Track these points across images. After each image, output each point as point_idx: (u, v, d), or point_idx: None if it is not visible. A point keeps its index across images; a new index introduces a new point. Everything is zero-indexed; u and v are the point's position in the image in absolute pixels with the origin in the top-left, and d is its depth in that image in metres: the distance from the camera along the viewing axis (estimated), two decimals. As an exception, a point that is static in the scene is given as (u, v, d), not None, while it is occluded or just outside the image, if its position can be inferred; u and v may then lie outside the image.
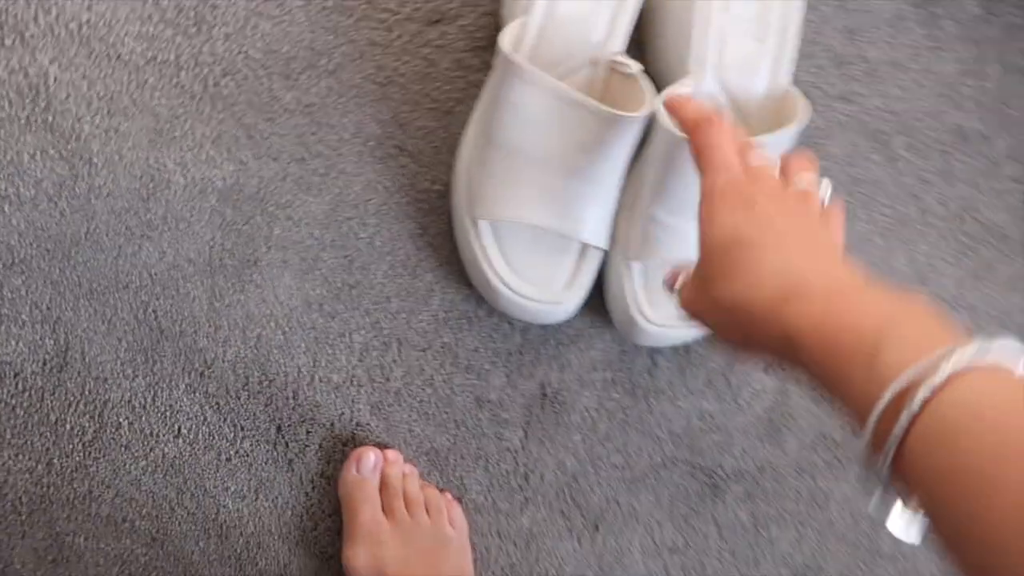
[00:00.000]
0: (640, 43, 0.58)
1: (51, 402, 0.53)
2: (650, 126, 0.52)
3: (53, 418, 0.53)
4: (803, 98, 0.53)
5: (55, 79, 0.52)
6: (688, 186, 0.50)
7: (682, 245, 0.53)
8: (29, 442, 0.53)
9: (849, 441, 0.64)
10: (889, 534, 0.30)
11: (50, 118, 0.52)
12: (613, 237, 0.56)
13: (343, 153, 0.56)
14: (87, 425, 0.54)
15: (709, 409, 0.62)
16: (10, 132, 0.52)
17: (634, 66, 0.51)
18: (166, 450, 0.54)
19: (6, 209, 0.52)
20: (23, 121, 0.52)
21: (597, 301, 0.59)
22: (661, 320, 0.56)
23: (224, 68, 0.54)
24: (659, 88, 0.52)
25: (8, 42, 0.51)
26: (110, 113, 0.53)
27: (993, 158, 0.66)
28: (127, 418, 0.54)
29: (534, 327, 0.59)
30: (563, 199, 0.51)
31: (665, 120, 0.49)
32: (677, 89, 0.52)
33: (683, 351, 0.61)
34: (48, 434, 0.53)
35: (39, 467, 0.53)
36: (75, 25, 0.52)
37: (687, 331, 0.57)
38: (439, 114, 0.57)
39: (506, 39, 0.49)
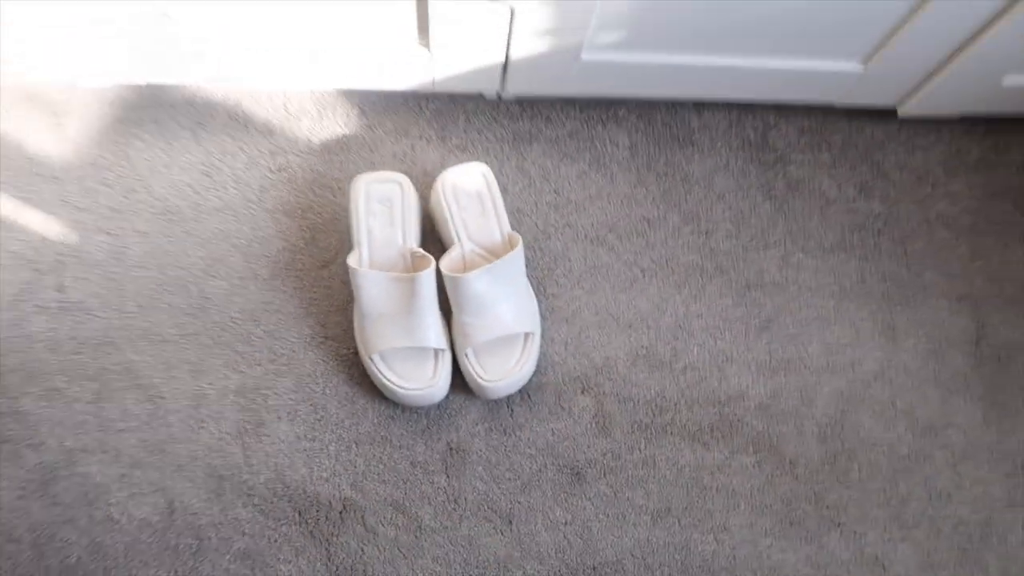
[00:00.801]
0: (430, 236, 1.03)
1: None
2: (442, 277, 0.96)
3: None
4: (517, 234, 0.97)
5: (134, 360, 0.97)
6: (472, 299, 0.93)
7: (483, 331, 0.94)
8: None
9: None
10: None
11: (139, 383, 0.96)
12: (452, 342, 0.97)
13: (296, 350, 0.99)
14: None
15: (556, 427, 1.00)
16: (120, 396, 0.96)
17: (421, 250, 0.95)
18: None
19: (122, 436, 0.95)
20: (126, 387, 0.96)
21: (460, 383, 0.99)
22: (495, 378, 0.95)
23: (221, 326, 0.99)
24: (441, 254, 0.97)
25: (109, 351, 0.97)
26: (168, 368, 0.97)
27: (671, 226, 1.08)
28: None
29: (431, 410, 0.99)
30: (410, 327, 0.93)
31: (446, 272, 0.93)
32: (449, 254, 0.96)
33: (525, 395, 1.00)
34: None
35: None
36: (139, 330, 0.97)
37: (515, 380, 0.96)
38: (340, 311, 1.00)
39: (351, 259, 0.94)
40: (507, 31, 0.91)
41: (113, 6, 0.86)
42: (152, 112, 1.04)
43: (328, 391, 0.98)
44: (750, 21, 0.91)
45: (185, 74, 0.99)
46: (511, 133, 1.08)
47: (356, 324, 0.97)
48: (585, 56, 0.96)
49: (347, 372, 0.99)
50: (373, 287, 0.93)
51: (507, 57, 0.96)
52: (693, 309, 1.04)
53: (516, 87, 1.03)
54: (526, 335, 0.98)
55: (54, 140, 1.02)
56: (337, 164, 1.05)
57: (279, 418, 0.97)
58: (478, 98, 1.09)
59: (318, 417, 0.98)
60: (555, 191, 1.07)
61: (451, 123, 1.08)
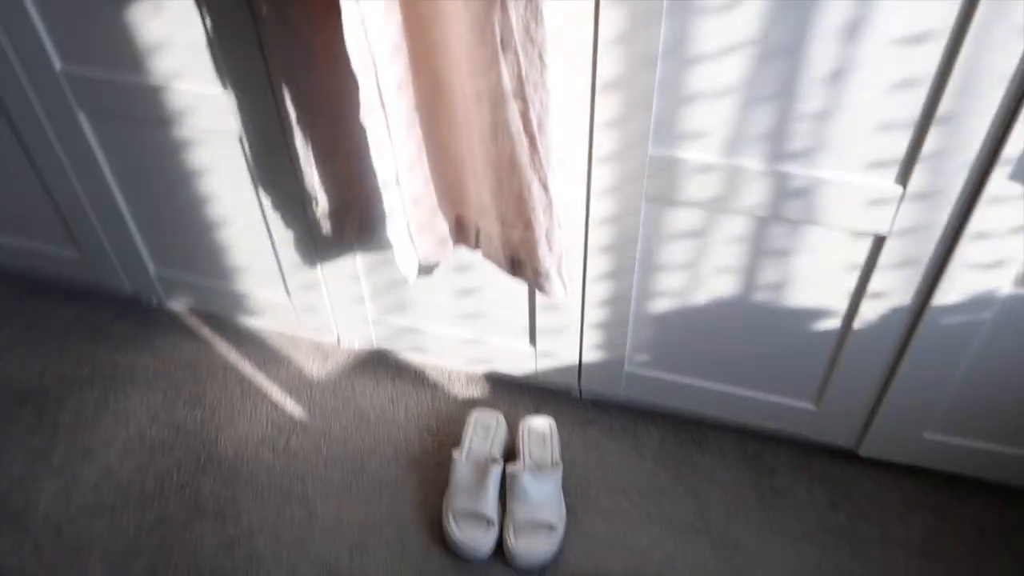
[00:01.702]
0: (511, 454, 1.55)
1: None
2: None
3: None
4: (560, 462, 1.47)
5: (320, 512, 1.53)
6: (519, 490, 1.42)
7: (522, 514, 1.40)
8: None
9: None
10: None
11: (305, 537, 1.51)
12: (501, 524, 1.43)
13: (404, 504, 1.50)
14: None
15: (559, 605, 1.36)
16: (311, 533, 1.50)
17: (499, 457, 1.48)
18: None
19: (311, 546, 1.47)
20: (293, 530, 1.51)
21: (501, 556, 1.41)
22: (524, 550, 1.38)
23: (383, 484, 1.53)
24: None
25: (300, 491, 1.54)
26: (341, 506, 1.51)
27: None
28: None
29: (473, 567, 1.41)
30: (477, 499, 1.42)
31: (509, 471, 1.45)
32: (515, 463, 1.48)
33: (541, 571, 1.39)
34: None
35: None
36: (341, 483, 1.55)
37: (538, 555, 1.38)
38: (435, 495, 1.51)
39: (456, 452, 1.48)
40: (579, 346, 1.54)
41: (371, 287, 1.63)
42: (377, 365, 1.75)
43: (412, 534, 1.45)
44: (735, 357, 1.46)
45: (394, 343, 1.71)
46: (581, 417, 1.64)
47: (446, 495, 1.47)
48: (627, 368, 1.54)
49: (428, 528, 1.46)
50: (463, 470, 1.46)
51: (580, 364, 1.58)
52: (682, 550, 1.42)
53: (588, 386, 1.62)
54: (551, 527, 1.41)
55: (318, 367, 1.75)
56: (466, 411, 1.65)
57: (378, 541, 1.45)
58: (565, 392, 1.68)
59: (401, 544, 1.44)
60: (600, 456, 1.57)
61: (542, 402, 1.67)
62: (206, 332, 1.84)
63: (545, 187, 1.14)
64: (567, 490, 1.50)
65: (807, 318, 1.34)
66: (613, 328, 1.48)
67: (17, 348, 1.82)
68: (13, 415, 1.68)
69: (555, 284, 1.26)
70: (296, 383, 1.72)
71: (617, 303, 1.43)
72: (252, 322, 1.84)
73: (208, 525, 1.48)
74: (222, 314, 1.85)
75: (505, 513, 1.44)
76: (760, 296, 1.33)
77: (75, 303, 1.92)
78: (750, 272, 1.30)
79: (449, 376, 1.73)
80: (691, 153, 1.18)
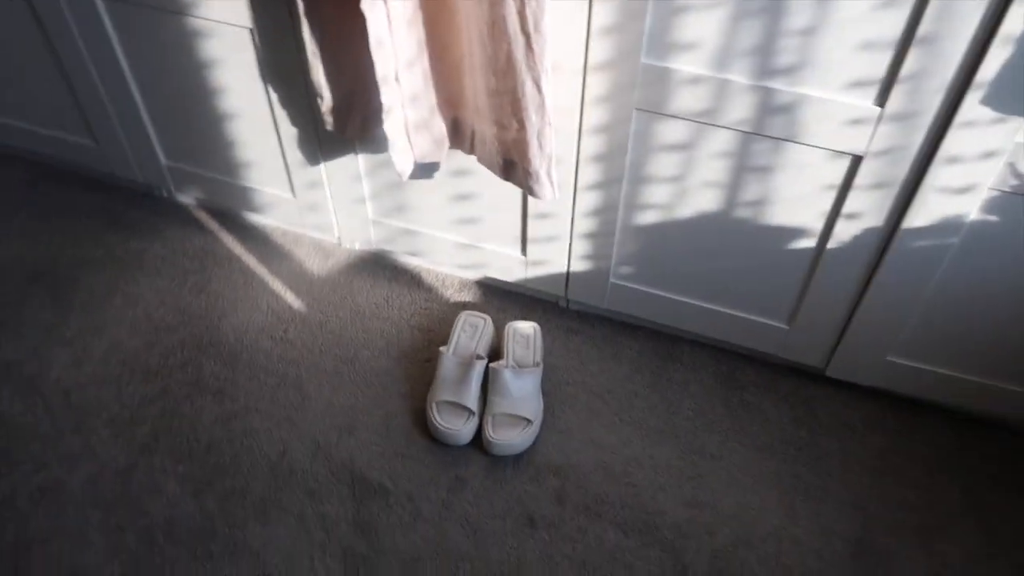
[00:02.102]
0: (496, 354, 1.64)
1: None
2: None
3: None
4: (541, 363, 1.56)
5: (312, 394, 1.62)
6: (499, 385, 1.50)
7: (500, 407, 1.49)
8: None
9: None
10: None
11: (296, 416, 1.60)
12: (481, 413, 1.52)
13: (392, 394, 1.59)
14: None
15: (528, 488, 1.46)
16: (296, 397, 1.60)
17: (483, 355, 1.57)
18: None
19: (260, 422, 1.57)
20: (282, 408, 1.61)
21: (478, 441, 1.51)
22: (501, 440, 1.47)
23: (368, 375, 1.62)
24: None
25: (292, 375, 1.64)
26: (330, 399, 1.60)
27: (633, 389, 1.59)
28: None
29: (454, 449, 1.50)
30: (460, 391, 1.51)
31: (492, 367, 1.53)
32: (499, 361, 1.56)
33: (515, 459, 1.48)
34: None
35: None
36: (333, 369, 1.64)
37: (512, 446, 1.47)
38: (422, 392, 1.60)
39: (442, 349, 1.57)
40: (567, 256, 1.60)
41: (375, 183, 1.70)
42: (375, 266, 1.82)
43: (398, 420, 1.55)
44: (715, 275, 1.53)
45: (392, 245, 1.78)
46: (566, 326, 1.72)
47: (431, 386, 1.56)
48: (612, 280, 1.61)
49: (413, 416, 1.56)
50: (448, 364, 1.55)
51: (567, 274, 1.64)
52: (649, 452, 1.51)
53: (574, 296, 1.69)
54: (528, 420, 1.50)
55: (318, 264, 1.82)
56: (456, 312, 1.73)
57: (365, 425, 1.54)
58: (553, 301, 1.75)
59: (386, 428, 1.53)
60: (580, 362, 1.65)
61: (529, 310, 1.74)
62: (213, 225, 1.92)
63: (539, 87, 1.19)
64: (546, 391, 1.58)
65: (784, 237, 1.39)
66: (600, 239, 1.54)
67: (33, 230, 1.90)
68: (28, 292, 1.77)
69: (544, 186, 1.31)
70: (297, 278, 1.80)
71: (605, 214, 1.48)
72: (257, 218, 1.91)
73: (207, 400, 1.58)
74: (229, 209, 1.92)
75: (485, 406, 1.53)
76: (741, 213, 1.38)
77: (90, 191, 1.99)
78: (733, 188, 1.35)
79: (443, 280, 1.80)
80: (681, 64, 1.22)
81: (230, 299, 1.76)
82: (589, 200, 1.47)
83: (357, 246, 1.86)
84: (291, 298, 1.76)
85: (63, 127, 1.87)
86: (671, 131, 1.31)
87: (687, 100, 1.25)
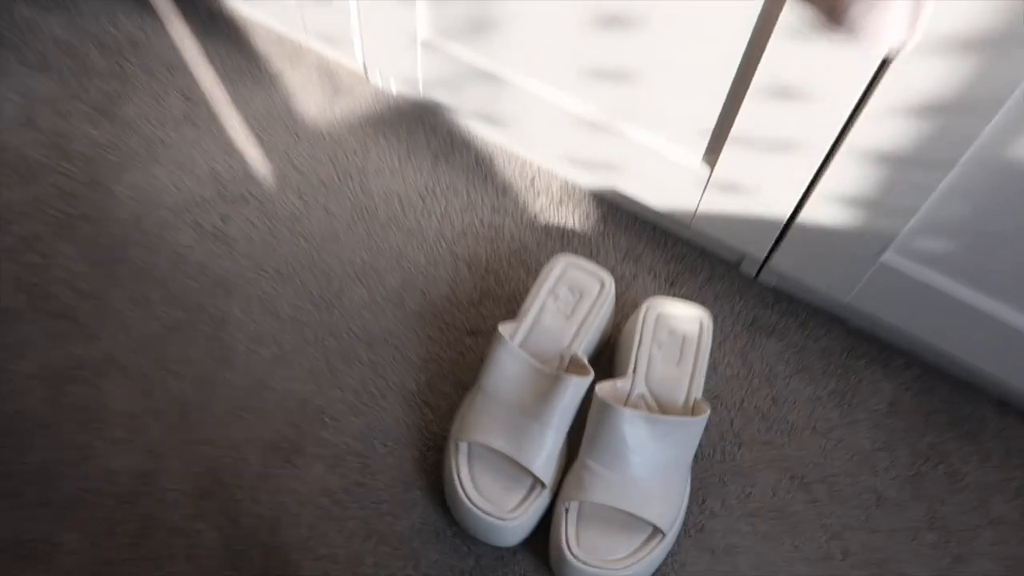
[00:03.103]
0: (609, 359, 0.83)
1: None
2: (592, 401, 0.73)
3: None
4: (708, 404, 0.73)
5: (234, 317, 0.84)
6: (613, 443, 0.69)
7: (604, 490, 0.69)
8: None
9: None
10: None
11: (220, 335, 0.83)
12: (559, 489, 0.72)
13: (387, 396, 0.81)
14: (137, 534, 0.72)
15: None
16: (193, 337, 0.83)
17: (584, 359, 0.75)
18: None
19: (167, 379, 0.80)
20: (204, 334, 0.83)
21: (542, 540, 0.72)
22: (588, 560, 0.68)
23: (331, 331, 0.84)
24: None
25: (218, 292, 0.86)
26: (254, 340, 0.83)
27: (912, 523, 0.76)
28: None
29: (487, 552, 0.72)
30: (522, 436, 0.71)
31: (599, 395, 0.71)
32: (615, 381, 0.74)
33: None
34: None
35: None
36: (260, 292, 0.86)
37: (633, 571, 0.68)
38: (459, 387, 0.81)
39: (504, 327, 0.76)
40: (803, 189, 0.75)
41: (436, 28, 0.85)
42: (413, 126, 1.00)
43: (390, 460, 0.77)
44: None
45: (455, 96, 0.94)
46: (751, 316, 0.88)
47: (466, 401, 0.77)
48: (887, 259, 0.75)
49: (422, 452, 0.77)
50: (509, 366, 0.74)
51: (788, 225, 0.79)
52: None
53: (783, 267, 0.84)
54: (654, 531, 0.70)
55: (318, 108, 1.00)
56: (547, 250, 0.91)
57: (320, 456, 0.77)
58: (731, 267, 0.91)
59: (360, 482, 0.76)
60: (773, 399, 0.82)
61: (689, 273, 0.90)
62: (161, 4, 1.10)
63: None
64: (699, 455, 0.78)
65: None
66: (896, 180, 0.67)
67: None
68: None
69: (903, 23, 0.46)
70: (274, 123, 0.99)
71: (929, 140, 0.61)
72: (242, 8, 1.09)
73: (36, 330, 0.83)
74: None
75: (568, 474, 0.73)
76: None
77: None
78: None
79: (534, 178, 0.97)
80: None
81: (149, 139, 0.97)
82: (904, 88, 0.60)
83: (394, 86, 1.03)
84: (254, 159, 0.96)
85: None
86: None
87: None
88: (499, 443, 0.71)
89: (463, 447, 0.73)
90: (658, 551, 0.70)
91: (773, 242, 0.83)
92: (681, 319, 0.79)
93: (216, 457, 0.77)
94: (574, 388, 0.72)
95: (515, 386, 0.74)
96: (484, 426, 0.72)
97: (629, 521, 0.70)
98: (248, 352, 0.83)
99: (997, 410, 0.83)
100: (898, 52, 0.54)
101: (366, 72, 1.03)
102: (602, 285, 0.81)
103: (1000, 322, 0.74)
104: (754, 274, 0.90)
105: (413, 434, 0.79)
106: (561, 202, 0.95)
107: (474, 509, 0.70)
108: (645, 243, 0.92)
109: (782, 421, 0.81)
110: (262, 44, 1.06)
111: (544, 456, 0.71)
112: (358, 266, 0.89)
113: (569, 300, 0.80)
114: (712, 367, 0.83)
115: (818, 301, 0.89)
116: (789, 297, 0.89)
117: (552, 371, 0.74)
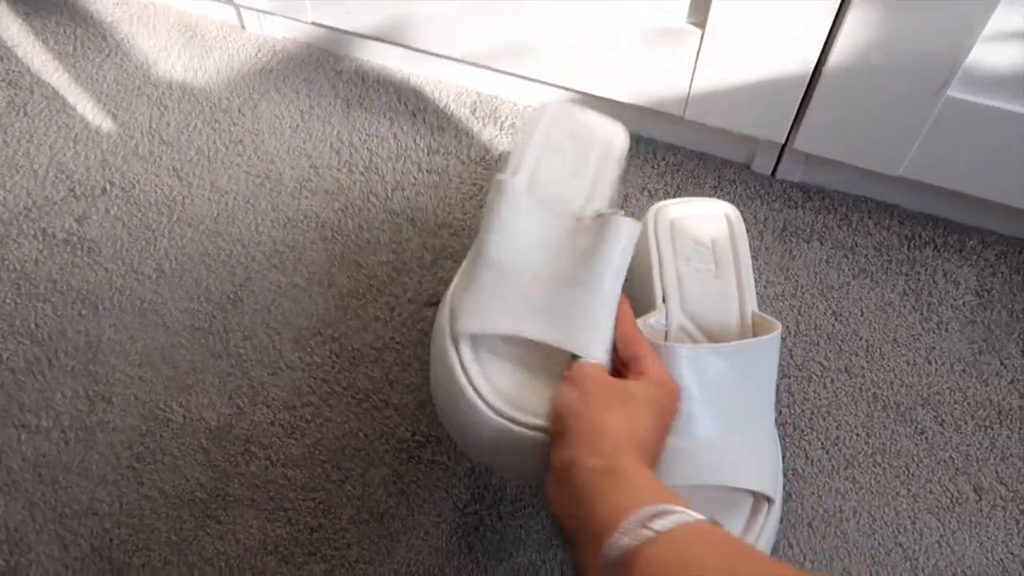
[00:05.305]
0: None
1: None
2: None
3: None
4: (771, 319, 0.53)
5: (108, 338, 0.62)
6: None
7: (683, 467, 0.48)
8: None
9: None
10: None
11: (92, 367, 0.60)
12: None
13: (332, 404, 0.59)
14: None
15: None
16: (55, 376, 0.60)
17: (611, 211, 0.53)
18: None
19: (22, 437, 0.57)
20: (69, 368, 0.60)
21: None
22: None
23: (245, 334, 0.62)
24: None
25: (83, 312, 0.63)
26: (140, 364, 0.61)
27: (1049, 437, 0.58)
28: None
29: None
30: (559, 311, 0.48)
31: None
32: (647, 319, 0.54)
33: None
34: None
35: None
36: (138, 301, 0.64)
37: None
38: (427, 375, 0.60)
39: (502, 175, 0.53)
40: (828, 26, 0.57)
41: None
42: (311, 72, 0.79)
43: (351, 487, 0.55)
44: None
45: (363, 21, 0.74)
46: (781, 220, 0.69)
47: (459, 281, 0.52)
48: (955, 93, 0.57)
49: (393, 468, 0.56)
50: (524, 222, 0.50)
51: (811, 87, 0.61)
52: None
53: (813, 147, 0.65)
54: (757, 500, 0.50)
55: (185, 70, 0.79)
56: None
57: (252, 502, 0.55)
58: (741, 168, 0.72)
59: (313, 525, 0.54)
60: (835, 314, 0.63)
61: (692, 184, 0.71)
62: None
63: None
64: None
65: None
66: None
67: None
68: None
69: None
70: (132, 97, 0.77)
71: None
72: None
73: None
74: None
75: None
76: None
77: None
78: None
79: (475, 106, 0.77)
80: None
81: (-30, 141, 0.74)
82: None
83: (277, 29, 0.83)
84: (113, 140, 0.74)
85: None
86: None
87: None
88: (531, 327, 0.48)
89: (464, 347, 0.48)
90: (771, 523, 0.49)
91: (794, 116, 0.65)
92: (702, 219, 0.59)
93: (103, 531, 0.54)
94: (627, 234, 0.49)
95: (535, 249, 0.50)
96: (500, 307, 0.49)
97: (723, 495, 0.49)
98: (131, 381, 0.60)
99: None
100: None
101: (240, 18, 0.82)
102: (610, 138, 0.59)
103: None
104: (771, 170, 0.72)
105: (376, 447, 0.57)
106: (514, 126, 0.75)
107: (502, 422, 0.45)
108: (631, 157, 0.72)
109: (853, 338, 0.62)
110: (103, 9, 0.84)
111: (603, 336, 0.48)
112: (267, 247, 0.67)
113: (573, 151, 0.56)
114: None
115: (857, 188, 0.70)
116: (820, 191, 0.70)
117: (584, 222, 0.51)
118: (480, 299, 0.49)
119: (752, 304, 0.56)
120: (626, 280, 0.53)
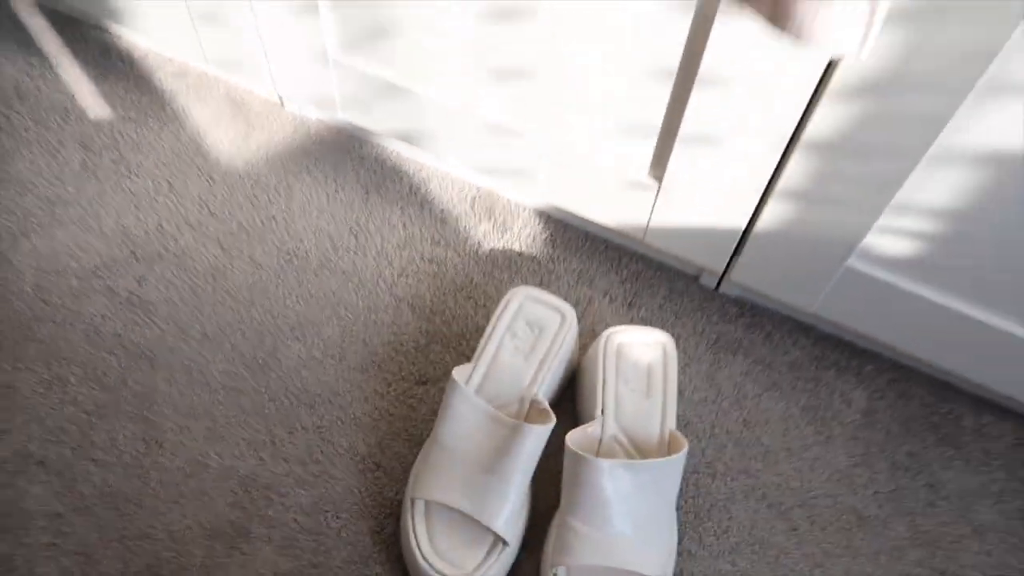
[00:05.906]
0: (572, 400, 0.78)
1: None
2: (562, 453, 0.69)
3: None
4: (684, 438, 0.68)
5: (161, 391, 0.77)
6: (594, 499, 0.64)
7: (593, 551, 0.64)
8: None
9: None
10: None
11: (147, 415, 0.76)
12: (542, 554, 0.68)
13: (336, 464, 0.75)
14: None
15: None
16: (119, 420, 0.76)
17: (546, 403, 0.70)
18: None
19: (92, 469, 0.73)
20: (130, 415, 0.76)
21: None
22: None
23: (270, 396, 0.78)
24: (570, 427, 0.70)
25: (142, 366, 0.78)
26: (186, 415, 0.76)
27: (895, 542, 0.73)
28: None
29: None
30: (482, 492, 0.66)
31: (571, 447, 0.66)
32: (586, 428, 0.70)
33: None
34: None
35: None
36: (187, 361, 0.79)
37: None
38: (412, 444, 0.76)
39: (458, 371, 0.70)
40: (759, 193, 0.70)
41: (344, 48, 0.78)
42: (338, 156, 0.92)
43: (345, 534, 0.71)
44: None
45: (385, 125, 0.87)
46: (715, 333, 0.83)
47: (421, 455, 0.71)
48: (853, 264, 0.71)
49: (379, 521, 0.72)
50: (465, 416, 0.68)
51: (747, 233, 0.75)
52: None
53: (744, 279, 0.79)
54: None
55: (232, 145, 0.93)
56: (495, 281, 0.85)
57: (268, 538, 0.71)
58: (690, 280, 0.86)
59: (314, 562, 0.70)
60: (745, 422, 0.78)
61: (647, 292, 0.85)
62: (51, 43, 1.00)
63: None
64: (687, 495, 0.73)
65: None
66: (850, 173, 0.63)
67: None
68: None
69: (854, 29, 0.41)
70: (185, 166, 0.91)
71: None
72: (137, 40, 1.00)
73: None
74: (82, 12, 1.01)
75: (551, 535, 0.69)
76: None
77: None
78: None
79: (474, 200, 0.91)
80: None
81: (47, 198, 0.88)
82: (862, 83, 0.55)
83: (312, 111, 0.96)
84: (168, 208, 0.88)
85: None
86: None
87: None
88: (458, 501, 0.66)
89: (420, 505, 0.68)
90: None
91: (731, 253, 0.78)
92: (642, 347, 0.74)
93: (154, 552, 0.70)
94: (535, 438, 0.67)
95: (473, 437, 0.68)
96: (441, 483, 0.67)
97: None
98: (179, 430, 0.76)
99: (973, 408, 0.80)
100: (853, 56, 0.49)
101: (280, 98, 0.96)
102: (563, 318, 0.75)
103: (972, 320, 0.71)
104: (714, 286, 0.86)
105: (367, 502, 0.73)
106: (506, 225, 0.89)
107: (433, 573, 0.65)
108: (598, 263, 0.87)
109: (756, 444, 0.77)
110: (164, 78, 0.97)
111: (506, 513, 0.66)
112: (292, 319, 0.82)
113: (528, 337, 0.75)
114: (679, 392, 0.79)
115: (783, 310, 0.85)
116: (753, 307, 0.85)
117: (512, 418, 0.69)
118: (428, 473, 0.69)
119: (671, 422, 0.71)
120: (576, 390, 0.69)
